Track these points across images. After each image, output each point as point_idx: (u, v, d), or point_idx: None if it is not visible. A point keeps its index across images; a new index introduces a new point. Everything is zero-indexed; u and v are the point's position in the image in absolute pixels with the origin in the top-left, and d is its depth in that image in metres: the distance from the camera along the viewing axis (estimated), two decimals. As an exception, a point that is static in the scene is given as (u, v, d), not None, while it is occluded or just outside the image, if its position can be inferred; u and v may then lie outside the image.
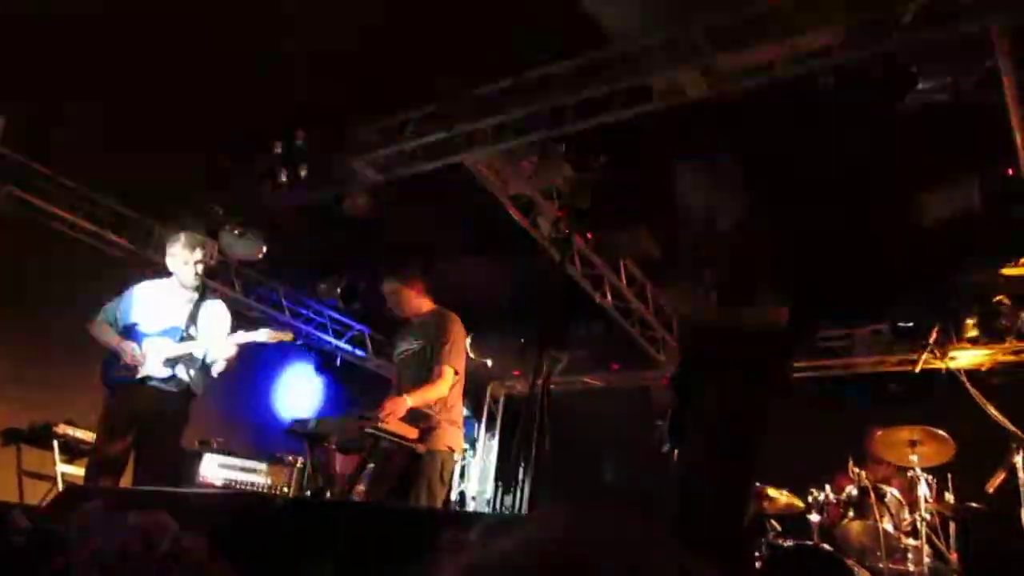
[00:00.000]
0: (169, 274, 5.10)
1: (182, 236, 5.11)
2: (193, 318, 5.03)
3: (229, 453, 6.45)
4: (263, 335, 5.03)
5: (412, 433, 4.39)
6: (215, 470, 6.27)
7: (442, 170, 6.22)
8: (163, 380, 4.87)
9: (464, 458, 9.38)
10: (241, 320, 8.24)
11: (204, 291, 5.18)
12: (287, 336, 5.14)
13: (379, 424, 4.24)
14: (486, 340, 8.74)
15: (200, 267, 5.07)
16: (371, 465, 5.00)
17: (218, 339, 5.01)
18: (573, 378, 9.61)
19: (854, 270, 6.56)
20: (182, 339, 4.94)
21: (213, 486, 6.20)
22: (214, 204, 7.17)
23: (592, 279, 7.83)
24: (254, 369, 5.97)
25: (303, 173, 6.17)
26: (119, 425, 4.79)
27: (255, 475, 6.43)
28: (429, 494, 4.39)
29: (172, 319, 4.98)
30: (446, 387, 4.58)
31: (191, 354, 4.94)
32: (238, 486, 6.31)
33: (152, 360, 4.84)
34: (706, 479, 2.91)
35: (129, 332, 4.93)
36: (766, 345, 2.98)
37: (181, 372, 4.92)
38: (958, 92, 4.49)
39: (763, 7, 4.69)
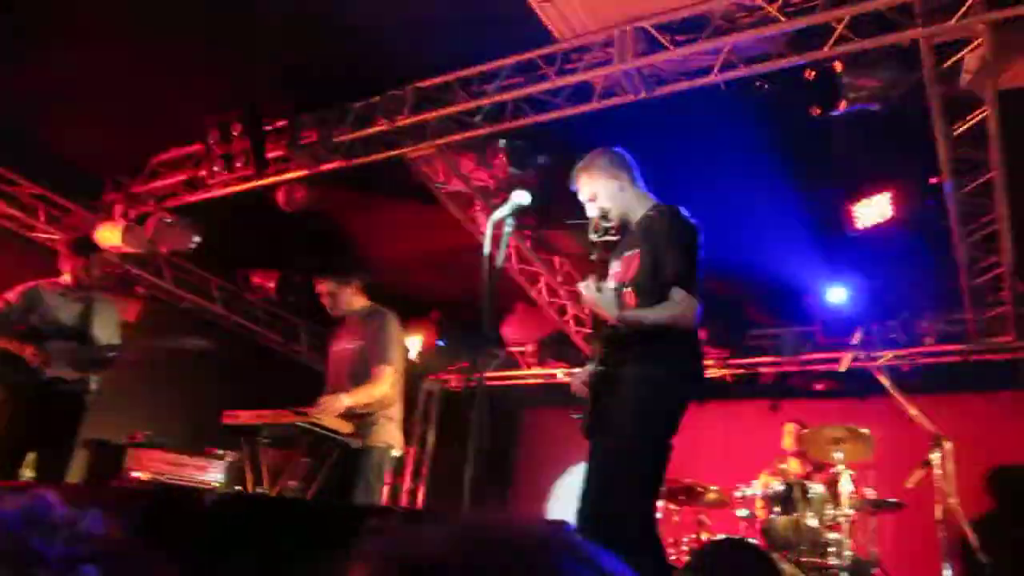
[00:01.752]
0: (65, 274, 5.22)
1: (75, 240, 5.36)
2: (88, 319, 5.17)
3: (158, 447, 6.30)
4: (172, 344, 5.34)
5: (347, 428, 4.36)
6: (142, 464, 6.12)
7: (381, 162, 6.18)
8: (67, 381, 5.01)
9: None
10: (171, 313, 8.13)
11: (98, 293, 5.34)
12: (198, 345, 5.27)
13: (312, 419, 4.20)
14: (423, 335, 8.73)
15: (96, 271, 5.25)
16: (305, 460, 4.96)
17: (112, 339, 5.24)
18: (508, 374, 9.65)
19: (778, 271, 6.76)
20: (80, 340, 5.08)
21: (140, 481, 6.05)
22: (147, 194, 7.01)
23: (529, 276, 7.89)
24: (185, 361, 5.86)
25: (239, 164, 6.06)
26: (18, 426, 4.91)
27: (184, 469, 6.29)
28: (367, 491, 4.36)
29: (70, 320, 5.11)
30: (386, 386, 4.57)
31: (90, 353, 5.11)
32: (167, 480, 6.17)
33: (56, 361, 4.95)
34: (617, 471, 2.98)
35: (29, 334, 4.99)
36: (679, 343, 3.08)
37: (82, 371, 5.07)
38: (887, 102, 4.65)
39: (704, 10, 4.78)
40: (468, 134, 5.88)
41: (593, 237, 3.35)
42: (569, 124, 5.52)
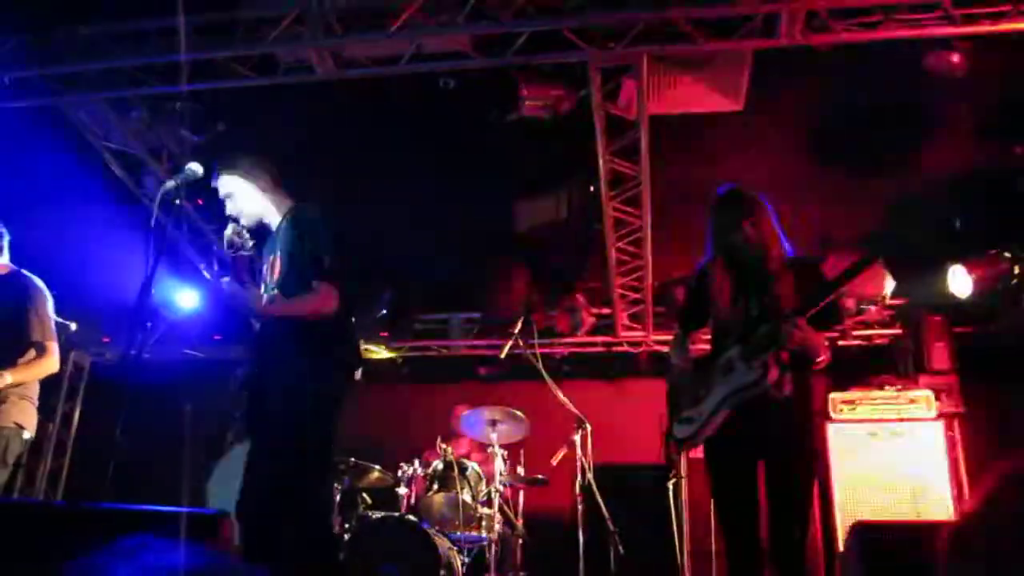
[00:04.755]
0: None
1: None
2: None
3: None
4: None
5: (-32, 407, 3.89)
6: None
7: (36, 109, 5.53)
8: None
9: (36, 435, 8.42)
10: None
11: None
12: None
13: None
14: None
15: None
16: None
17: None
18: (173, 348, 9.10)
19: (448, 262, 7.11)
20: None
21: None
22: None
23: (200, 248, 7.49)
24: None
25: None
26: None
27: None
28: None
29: None
30: (56, 364, 4.19)
31: None
32: None
33: None
34: (281, 468, 3.05)
35: None
36: (323, 332, 3.20)
37: None
38: (556, 113, 5.08)
39: (397, 2, 4.85)
40: (139, 91, 5.45)
41: (229, 233, 3.35)
42: (252, 94, 5.35)
